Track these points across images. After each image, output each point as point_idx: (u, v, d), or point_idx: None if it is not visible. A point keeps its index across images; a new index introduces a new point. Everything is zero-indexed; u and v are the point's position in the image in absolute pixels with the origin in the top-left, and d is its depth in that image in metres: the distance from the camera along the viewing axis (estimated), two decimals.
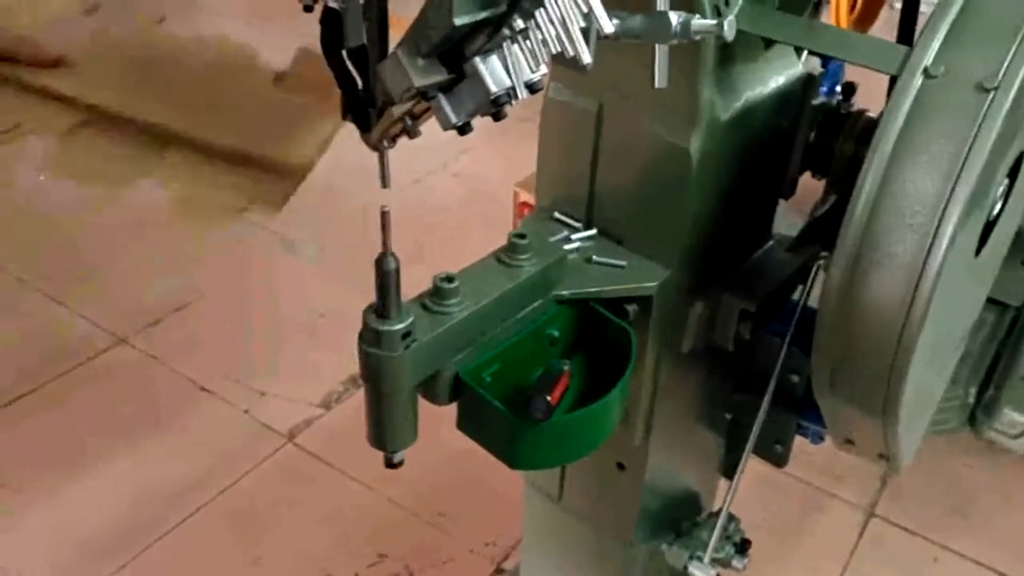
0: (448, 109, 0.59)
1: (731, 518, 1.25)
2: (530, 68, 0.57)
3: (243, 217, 2.52)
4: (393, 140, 0.71)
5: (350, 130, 0.79)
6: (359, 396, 2.42)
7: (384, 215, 0.68)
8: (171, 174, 2.40)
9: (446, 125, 0.60)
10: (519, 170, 2.50)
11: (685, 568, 1.17)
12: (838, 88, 1.03)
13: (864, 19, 2.07)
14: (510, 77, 0.57)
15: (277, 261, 2.54)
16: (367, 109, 0.72)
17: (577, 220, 0.99)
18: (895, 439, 0.95)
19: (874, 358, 0.84)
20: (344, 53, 0.71)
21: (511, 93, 0.57)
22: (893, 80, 0.82)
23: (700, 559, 1.16)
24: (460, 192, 2.85)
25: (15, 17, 0.95)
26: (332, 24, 0.70)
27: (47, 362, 2.25)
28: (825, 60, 1.04)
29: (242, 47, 3.22)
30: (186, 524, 1.92)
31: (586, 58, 0.57)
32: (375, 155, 0.80)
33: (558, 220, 0.99)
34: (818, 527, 1.97)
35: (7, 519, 1.91)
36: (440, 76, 0.57)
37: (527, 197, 1.82)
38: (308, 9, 0.69)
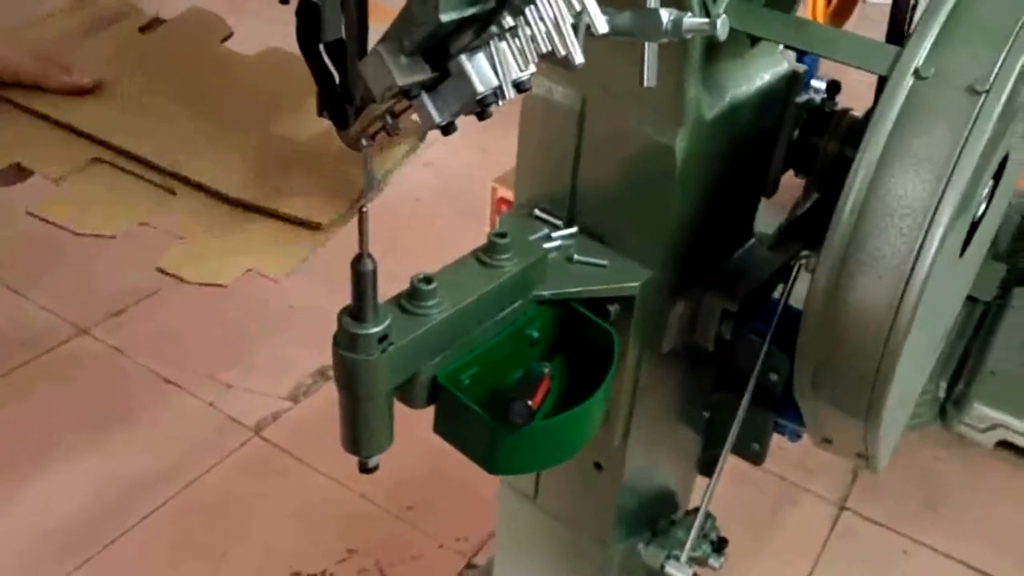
0: (431, 108, 0.57)
1: (708, 516, 1.24)
2: (518, 67, 0.55)
3: None
4: (372, 138, 0.69)
5: None
6: (327, 389, 2.40)
7: (362, 215, 0.66)
8: None
9: (428, 125, 0.58)
10: (492, 160, 2.48)
11: (662, 568, 1.16)
12: (814, 84, 1.01)
13: (840, 14, 2.07)
14: (497, 76, 0.55)
15: None
16: (344, 105, 0.70)
17: (558, 217, 0.97)
18: (875, 440, 0.95)
19: (859, 361, 0.83)
20: (321, 47, 0.69)
21: (498, 92, 0.55)
22: (882, 80, 0.80)
23: (677, 558, 1.15)
24: (433, 183, 2.82)
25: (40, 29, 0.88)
26: (309, 17, 0.67)
27: (4, 353, 2.20)
28: (800, 55, 1.03)
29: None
30: (151, 518, 1.88)
31: (578, 58, 0.55)
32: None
33: (538, 217, 0.97)
34: (790, 521, 1.97)
35: None
36: (424, 74, 0.55)
37: (505, 193, 1.80)
38: (284, 1, 0.67)
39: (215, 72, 0.85)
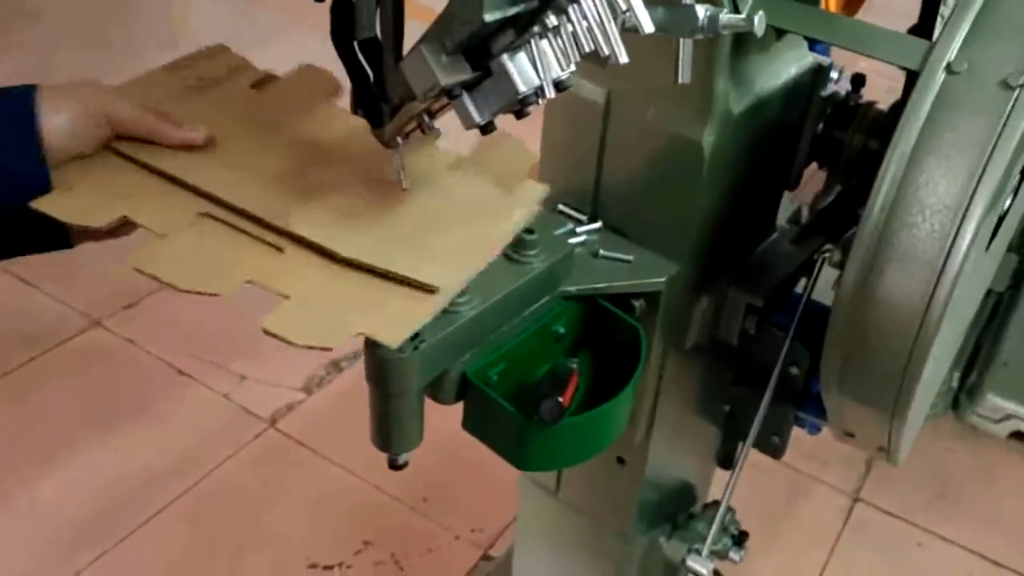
0: (471, 108, 0.56)
1: (728, 510, 1.24)
2: (560, 66, 0.55)
3: None
4: (407, 136, 0.69)
5: None
6: (341, 380, 2.40)
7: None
8: None
9: (469, 124, 0.57)
10: None
11: (683, 561, 1.16)
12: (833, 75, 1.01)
13: (852, 2, 2.06)
14: (538, 75, 0.54)
15: None
16: (379, 104, 0.69)
17: (582, 213, 0.96)
18: (899, 434, 0.94)
19: (888, 357, 0.83)
20: (356, 45, 0.68)
21: (539, 92, 0.55)
22: (911, 74, 0.80)
23: (698, 552, 1.15)
24: None
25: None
26: (343, 14, 0.67)
27: (18, 346, 2.20)
28: (812, 45, 1.02)
29: None
30: (166, 512, 1.89)
31: (623, 57, 0.54)
32: None
33: (562, 212, 0.97)
34: (804, 512, 1.97)
35: None
36: (465, 74, 0.54)
37: None
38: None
39: (327, 131, 0.82)
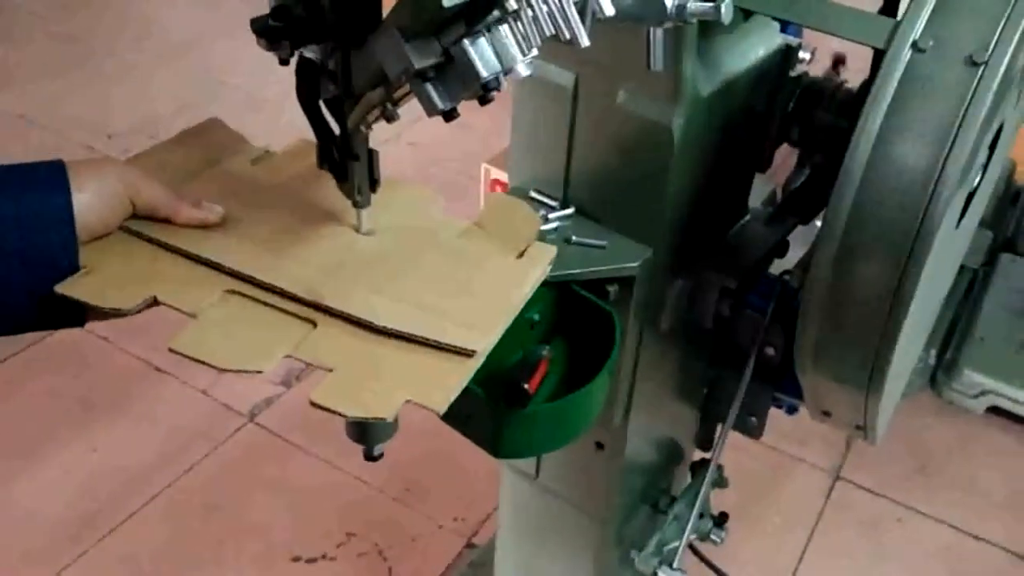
0: (434, 94, 0.56)
1: (708, 491, 1.25)
2: (521, 51, 0.54)
3: None
4: (369, 126, 0.68)
5: None
6: (320, 373, 2.39)
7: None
8: None
9: (432, 111, 0.57)
10: (475, 138, 2.47)
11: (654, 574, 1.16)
12: (801, 55, 1.00)
13: None
14: (500, 60, 0.54)
15: None
16: (345, 160, 0.71)
17: (553, 198, 0.96)
18: (876, 411, 0.95)
19: (861, 335, 0.83)
20: (321, 103, 0.69)
21: (500, 77, 0.54)
22: (879, 53, 0.80)
23: (670, 566, 1.14)
24: (417, 162, 2.80)
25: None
26: (308, 74, 0.68)
27: None
28: (784, 26, 1.02)
29: None
30: (147, 508, 1.88)
31: (584, 40, 0.54)
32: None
33: (533, 199, 0.97)
34: (785, 491, 1.98)
35: None
36: (436, 57, 0.54)
37: (499, 175, 1.79)
38: (284, 63, 0.67)
39: (332, 201, 0.82)
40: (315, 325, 0.71)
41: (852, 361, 0.87)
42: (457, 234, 0.84)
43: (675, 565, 1.11)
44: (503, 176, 1.78)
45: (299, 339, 0.69)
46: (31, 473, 1.93)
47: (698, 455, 1.31)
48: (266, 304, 0.72)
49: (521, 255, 0.82)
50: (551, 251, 0.83)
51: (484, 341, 0.71)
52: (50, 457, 1.96)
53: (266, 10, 0.66)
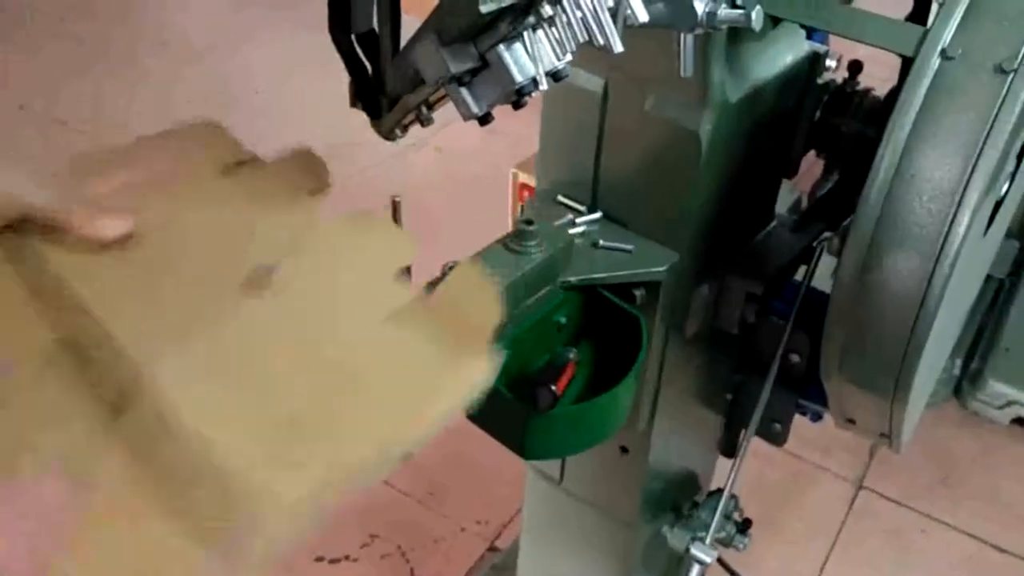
0: (469, 99, 0.57)
1: (731, 497, 1.25)
2: (556, 56, 0.55)
3: None
4: (405, 129, 0.69)
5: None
6: None
7: (395, 204, 0.66)
8: None
9: (467, 115, 0.58)
10: (503, 143, 2.48)
11: (687, 550, 1.17)
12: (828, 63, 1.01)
13: None
14: (534, 65, 0.55)
15: None
16: (377, 96, 0.70)
17: (581, 203, 0.97)
18: (901, 419, 0.95)
19: (888, 343, 0.84)
20: (353, 38, 0.68)
21: (535, 82, 0.55)
22: (906, 61, 0.80)
23: (702, 540, 1.16)
24: (445, 168, 2.82)
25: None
26: (340, 8, 0.67)
27: None
28: (810, 34, 1.02)
29: None
30: None
31: (617, 46, 0.55)
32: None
33: (561, 203, 0.98)
34: (808, 500, 1.98)
35: None
36: (472, 62, 0.55)
37: (526, 179, 1.80)
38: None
39: (278, 241, 0.63)
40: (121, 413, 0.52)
41: (878, 369, 0.87)
42: (390, 312, 0.61)
43: (707, 541, 1.11)
44: (531, 181, 1.80)
45: (78, 446, 0.51)
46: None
47: (723, 464, 1.32)
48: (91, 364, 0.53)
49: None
50: (495, 359, 0.61)
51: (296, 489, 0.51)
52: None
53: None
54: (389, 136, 0.72)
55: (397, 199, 0.65)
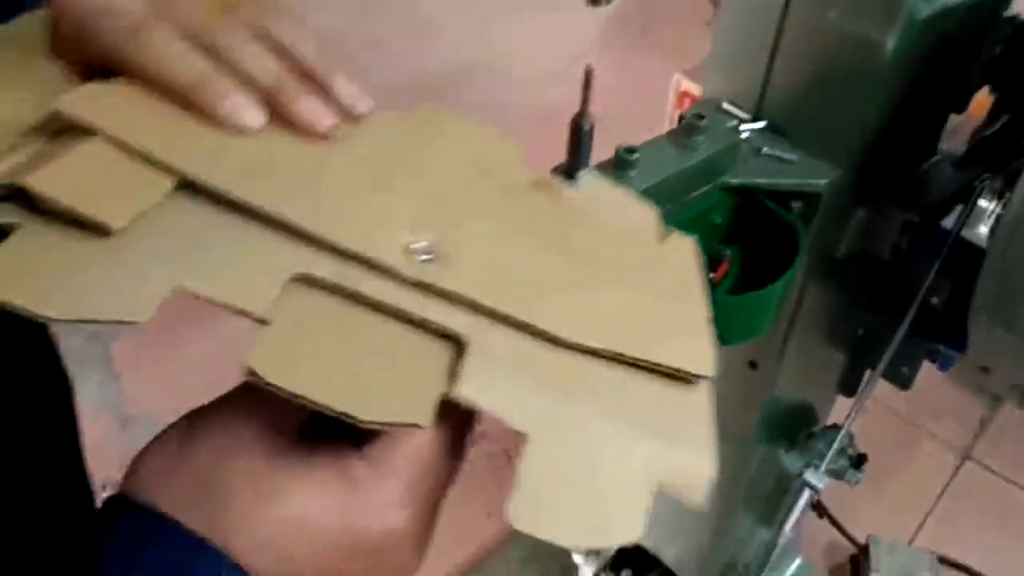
0: None
1: (848, 434, 1.25)
2: None
3: None
4: None
5: None
6: None
7: (587, 74, 0.68)
8: None
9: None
10: (659, 53, 2.45)
11: (799, 474, 1.18)
12: None
13: None
14: None
15: None
16: None
17: (746, 112, 0.97)
18: None
19: None
20: None
21: None
22: None
23: (816, 467, 1.16)
24: (600, 81, 2.79)
25: None
26: None
27: None
28: None
29: None
30: None
31: None
32: None
33: (726, 111, 0.98)
34: (910, 464, 1.96)
35: None
36: None
37: (689, 87, 1.77)
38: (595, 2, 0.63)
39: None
40: (460, 343, 0.42)
41: None
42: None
43: (822, 468, 1.12)
44: (694, 88, 1.76)
45: (447, 369, 0.41)
46: None
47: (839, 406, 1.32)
48: (366, 304, 0.41)
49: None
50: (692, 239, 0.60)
51: (708, 363, 0.50)
52: None
53: None
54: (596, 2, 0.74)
55: (591, 68, 0.66)
